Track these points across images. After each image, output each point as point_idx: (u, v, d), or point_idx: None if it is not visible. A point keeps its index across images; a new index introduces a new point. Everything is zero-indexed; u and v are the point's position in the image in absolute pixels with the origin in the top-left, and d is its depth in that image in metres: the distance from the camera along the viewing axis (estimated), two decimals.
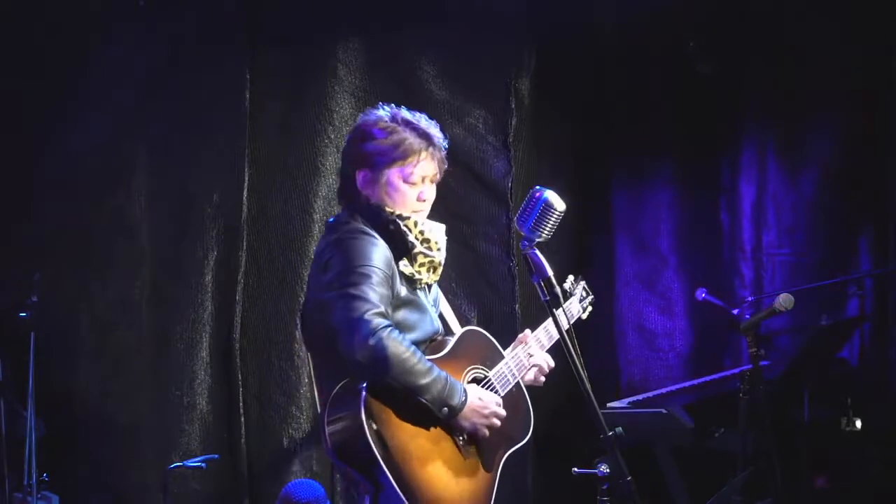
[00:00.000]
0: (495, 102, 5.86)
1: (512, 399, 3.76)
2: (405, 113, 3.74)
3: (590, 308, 4.17)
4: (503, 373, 3.77)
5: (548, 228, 3.31)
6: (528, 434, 3.78)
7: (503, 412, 3.63)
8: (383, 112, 3.75)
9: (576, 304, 4.13)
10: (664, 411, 5.25)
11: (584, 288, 4.17)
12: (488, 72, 5.86)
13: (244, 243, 5.60)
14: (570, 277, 4.12)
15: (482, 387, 3.69)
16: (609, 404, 5.45)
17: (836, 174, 5.93)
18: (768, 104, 6.11)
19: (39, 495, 5.04)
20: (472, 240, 5.81)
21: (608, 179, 6.34)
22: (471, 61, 5.85)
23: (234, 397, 5.55)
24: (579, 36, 6.00)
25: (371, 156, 3.68)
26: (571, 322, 3.98)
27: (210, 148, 5.62)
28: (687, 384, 5.60)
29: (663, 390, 5.53)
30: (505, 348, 3.87)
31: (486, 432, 3.60)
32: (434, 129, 3.75)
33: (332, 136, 5.69)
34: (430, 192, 3.74)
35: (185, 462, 5.16)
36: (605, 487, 3.57)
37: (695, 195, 6.25)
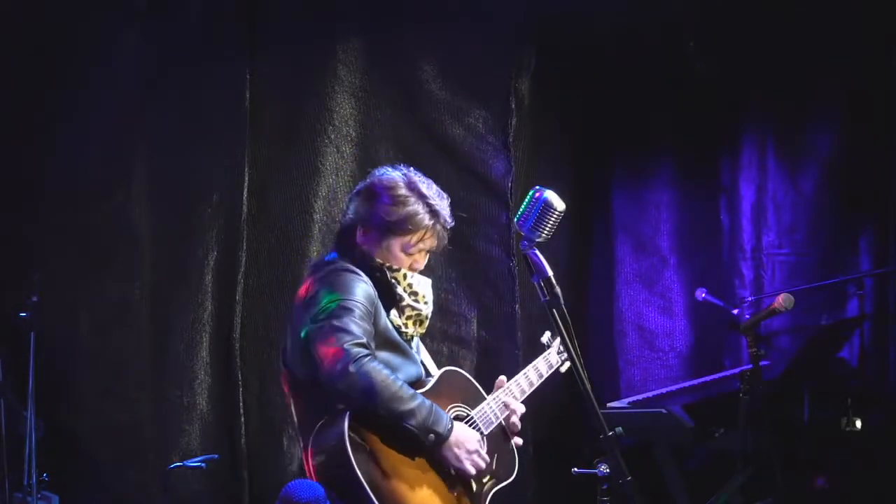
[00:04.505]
0: (495, 102, 5.85)
1: (496, 439, 3.83)
2: (420, 182, 3.78)
3: (567, 364, 4.15)
4: (486, 413, 3.82)
5: (548, 228, 3.31)
6: (514, 473, 3.86)
7: (486, 456, 3.68)
8: (399, 176, 3.78)
9: (554, 355, 4.15)
10: (664, 411, 5.26)
11: (559, 345, 4.15)
12: (488, 72, 5.86)
13: (244, 243, 5.60)
14: (547, 333, 4.13)
15: (465, 424, 3.73)
16: (609, 404, 5.45)
17: (836, 174, 5.94)
18: (768, 104, 6.11)
19: (39, 495, 5.03)
20: (472, 240, 5.81)
21: (608, 179, 6.35)
22: (471, 61, 5.84)
23: (234, 397, 5.55)
24: (579, 36, 5.99)
25: (379, 220, 3.72)
26: (550, 372, 4.03)
27: (210, 148, 5.62)
28: (687, 384, 5.60)
29: (663, 390, 5.54)
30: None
31: (472, 469, 3.64)
32: (445, 206, 3.80)
33: (332, 136, 5.69)
34: (422, 264, 3.82)
35: (185, 462, 5.15)
36: (604, 487, 3.56)
37: (695, 195, 6.25)
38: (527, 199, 3.32)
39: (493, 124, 5.85)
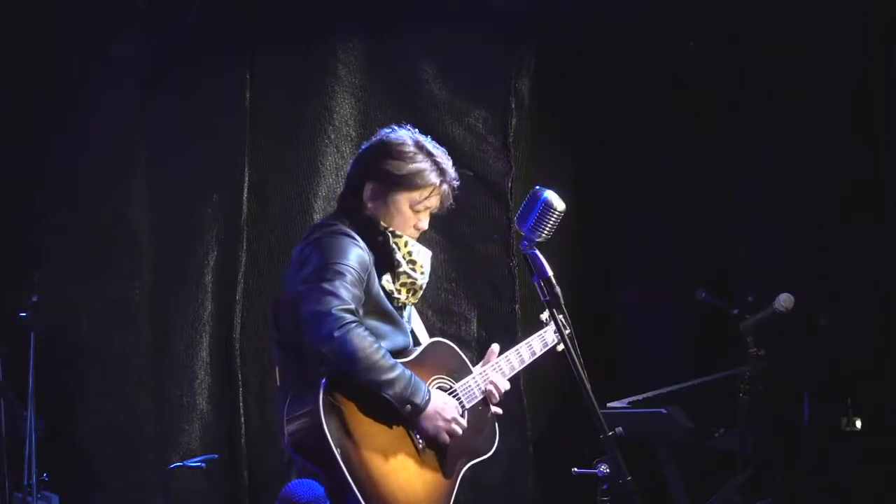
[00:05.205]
0: (495, 102, 5.85)
1: (477, 413, 3.83)
2: (427, 142, 3.82)
3: (561, 344, 4.17)
4: (470, 386, 3.83)
5: (548, 228, 3.31)
6: (492, 448, 3.85)
7: (464, 422, 3.69)
8: (407, 134, 3.82)
9: (550, 334, 4.16)
10: (664, 411, 5.26)
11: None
12: (488, 72, 5.86)
13: (244, 243, 5.60)
14: (547, 312, 4.14)
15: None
16: (609, 404, 5.44)
17: (837, 174, 5.93)
18: (768, 104, 6.11)
19: (39, 495, 5.04)
20: (472, 240, 5.81)
21: (608, 179, 6.34)
22: (471, 61, 5.84)
23: (234, 397, 5.55)
24: (579, 35, 5.99)
25: (388, 174, 3.74)
26: (545, 349, 4.05)
27: (210, 148, 5.62)
28: (687, 384, 5.59)
29: (663, 390, 5.53)
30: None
31: (447, 438, 3.65)
32: (451, 167, 3.83)
33: (332, 136, 5.69)
34: (426, 224, 3.84)
35: (185, 462, 5.16)
36: (604, 487, 3.56)
37: (695, 195, 6.25)
38: (527, 199, 3.32)
39: (493, 124, 5.85)
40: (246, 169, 5.61)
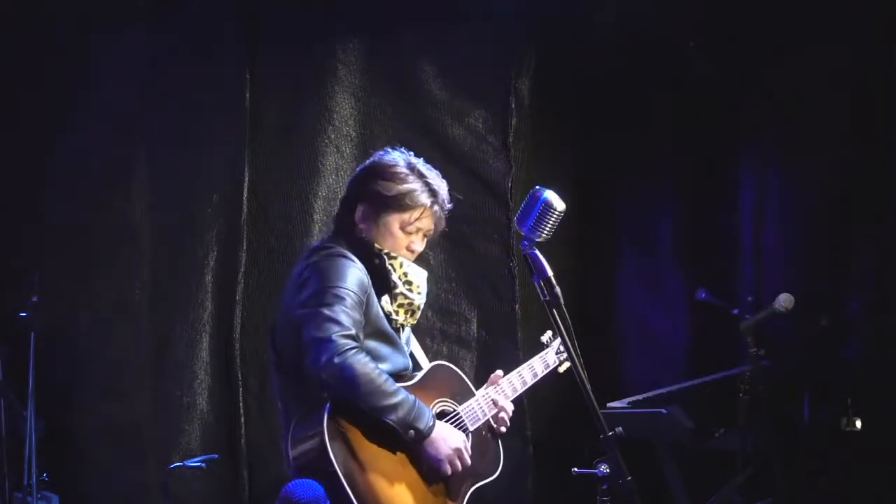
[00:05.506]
0: (495, 102, 5.86)
1: (481, 436, 3.82)
2: (420, 164, 3.81)
3: (565, 365, 4.15)
4: (474, 409, 3.82)
5: (548, 228, 3.31)
6: (497, 471, 3.84)
7: (467, 459, 3.67)
8: (399, 156, 3.82)
9: (551, 355, 4.15)
10: (664, 411, 5.26)
11: (558, 345, 4.16)
12: (488, 72, 5.86)
13: (244, 243, 5.60)
14: (548, 333, 4.14)
15: (451, 420, 3.74)
16: (609, 404, 5.45)
17: (837, 173, 5.93)
18: (769, 104, 6.11)
19: (39, 495, 5.04)
20: (472, 240, 5.81)
21: (608, 179, 6.34)
22: (471, 61, 5.85)
23: (234, 397, 5.56)
24: (579, 35, 6.00)
25: (377, 195, 3.74)
26: (546, 371, 4.04)
27: (210, 148, 5.62)
28: (687, 384, 5.60)
29: (663, 390, 5.53)
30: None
31: (448, 470, 3.63)
32: (443, 188, 3.83)
33: (332, 136, 5.69)
34: (420, 246, 3.82)
35: (185, 462, 5.16)
36: (604, 487, 3.57)
37: (695, 195, 6.25)
38: (527, 199, 3.32)
39: (493, 124, 5.85)
40: (246, 169, 5.61)
